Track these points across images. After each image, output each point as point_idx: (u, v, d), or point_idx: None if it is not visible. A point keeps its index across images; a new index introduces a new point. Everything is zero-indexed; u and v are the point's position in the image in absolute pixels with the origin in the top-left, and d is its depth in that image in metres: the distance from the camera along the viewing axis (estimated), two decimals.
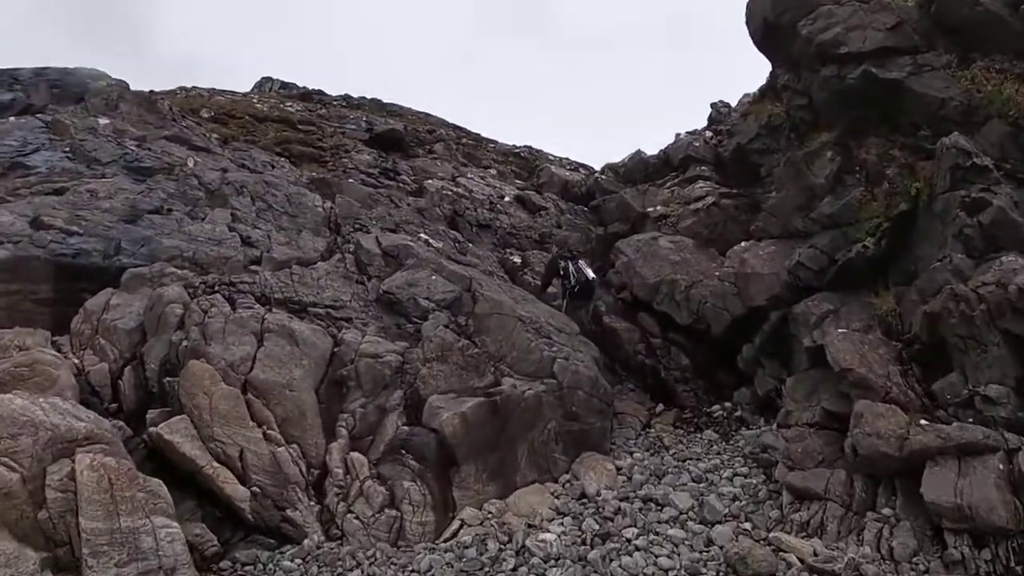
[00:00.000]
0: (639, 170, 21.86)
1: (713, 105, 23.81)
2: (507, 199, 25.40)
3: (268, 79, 33.74)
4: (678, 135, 21.73)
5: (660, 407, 15.50)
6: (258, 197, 20.13)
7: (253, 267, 16.09)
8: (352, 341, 12.96)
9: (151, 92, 25.06)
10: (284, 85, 33.37)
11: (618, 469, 12.76)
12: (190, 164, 21.35)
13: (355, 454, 11.62)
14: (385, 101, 33.37)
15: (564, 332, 14.56)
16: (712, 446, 13.93)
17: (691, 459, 13.32)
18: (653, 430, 14.59)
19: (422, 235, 18.09)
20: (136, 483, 9.60)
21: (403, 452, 11.58)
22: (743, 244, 16.19)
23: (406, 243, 16.42)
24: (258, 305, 13.74)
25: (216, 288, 14.19)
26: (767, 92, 19.47)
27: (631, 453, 13.52)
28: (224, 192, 20.11)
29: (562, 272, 16.99)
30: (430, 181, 25.42)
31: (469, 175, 26.81)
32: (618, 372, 16.24)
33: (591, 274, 16.85)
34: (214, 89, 30.76)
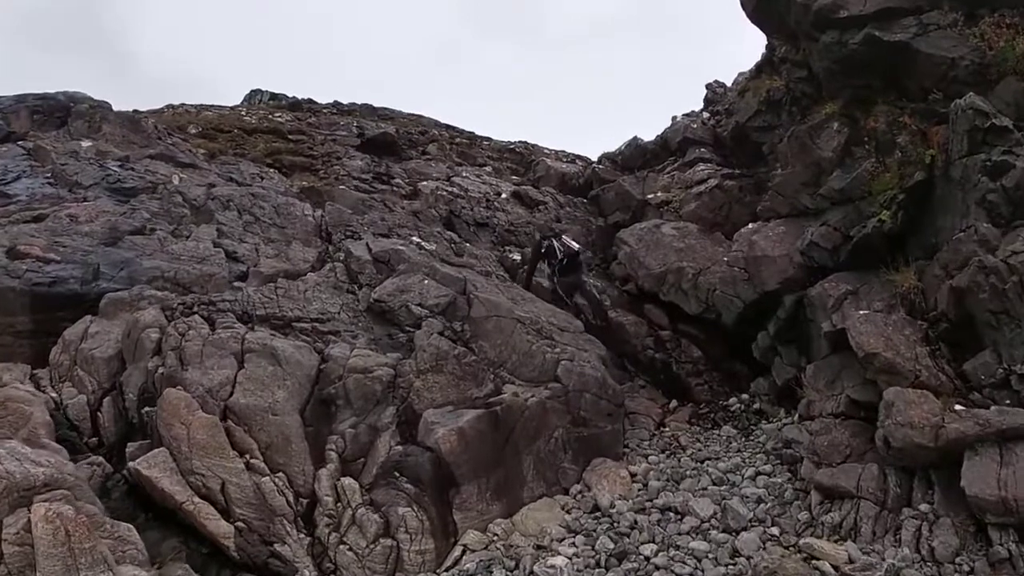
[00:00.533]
0: (637, 157, 20.69)
1: (708, 86, 22.62)
2: (504, 196, 24.26)
3: (257, 91, 32.65)
4: (674, 118, 20.56)
5: (674, 403, 14.38)
6: (245, 210, 19.09)
7: (238, 283, 15.05)
8: (339, 356, 11.86)
9: (135, 111, 24.02)
10: (274, 96, 32.28)
11: (632, 476, 11.63)
12: (175, 181, 20.37)
13: (346, 480, 10.52)
14: (376, 106, 32.24)
15: (567, 331, 13.45)
16: (731, 443, 12.81)
17: (710, 459, 12.20)
18: (668, 429, 13.46)
19: (414, 238, 16.99)
20: (99, 531, 8.52)
21: (397, 475, 10.45)
22: (751, 226, 15.04)
23: (397, 248, 15.32)
24: (239, 324, 12.68)
25: (195, 308, 13.15)
26: (764, 67, 18.31)
27: (646, 456, 12.39)
28: (210, 207, 19.11)
29: (544, 251, 15.94)
30: (424, 183, 24.35)
31: (464, 174, 25.70)
32: (628, 369, 15.12)
33: (576, 245, 15.77)
34: (202, 105, 29.71)
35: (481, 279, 14.56)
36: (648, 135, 21.50)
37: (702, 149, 18.71)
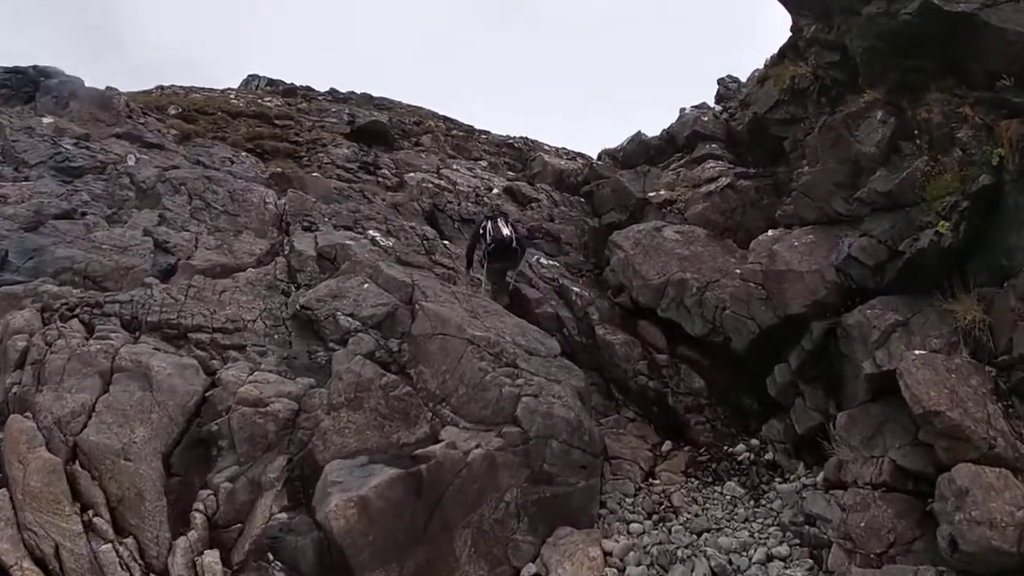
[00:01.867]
0: (640, 154, 17.10)
1: (720, 81, 19.02)
2: (495, 191, 20.89)
3: (255, 76, 29.48)
4: (683, 110, 16.98)
5: (667, 445, 10.90)
6: (196, 195, 15.84)
7: (151, 279, 11.74)
8: (231, 381, 8.50)
9: (107, 88, 20.80)
10: (271, 82, 29.09)
11: (607, 555, 8.18)
12: (130, 162, 17.29)
13: (209, 556, 7.17)
14: (375, 96, 28.92)
15: (536, 355, 9.96)
16: (737, 507, 9.36)
17: (710, 531, 8.75)
18: (659, 482, 9.98)
19: (371, 232, 13.57)
20: None
21: (271, 558, 7.05)
22: (770, 233, 11.52)
23: (344, 243, 11.98)
24: (122, 332, 9.38)
25: (76, 310, 9.83)
26: (788, 52, 14.76)
27: (627, 524, 8.94)
28: (159, 191, 15.94)
29: (482, 231, 12.93)
30: (411, 174, 21.09)
31: (455, 167, 22.36)
32: (614, 396, 11.68)
33: (507, 231, 12.67)
34: (191, 87, 26.54)
35: (435, 284, 11.07)
36: (654, 132, 17.97)
37: (713, 145, 15.20)
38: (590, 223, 16.11)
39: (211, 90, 26.48)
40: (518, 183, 21.81)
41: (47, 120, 18.80)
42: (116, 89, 21.38)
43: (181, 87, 26.28)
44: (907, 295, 9.42)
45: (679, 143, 16.01)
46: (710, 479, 10.07)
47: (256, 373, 8.72)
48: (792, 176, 12.84)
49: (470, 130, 27.47)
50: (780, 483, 9.73)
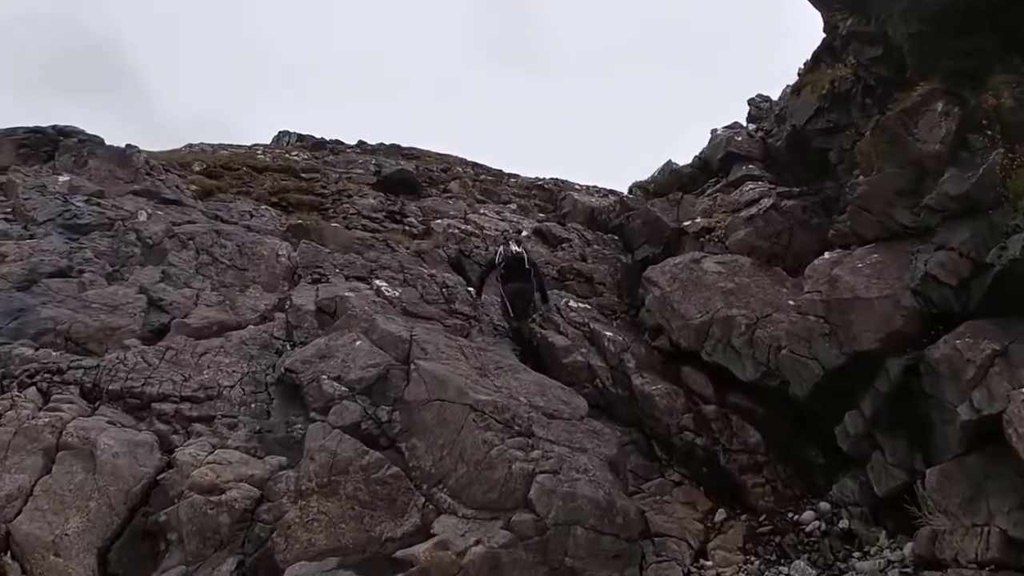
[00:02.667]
0: (672, 183, 15.26)
1: (751, 101, 17.13)
2: (524, 233, 19.24)
3: (285, 133, 28.46)
4: (714, 131, 15.10)
5: (721, 514, 8.83)
6: (204, 249, 14.47)
7: (135, 339, 10.27)
8: (187, 462, 6.85)
9: (127, 146, 19.75)
10: (301, 138, 28.02)
11: None
12: (140, 218, 16.06)
13: None
14: (404, 146, 27.63)
15: (559, 418, 8.08)
16: None
17: None
18: (712, 562, 7.92)
19: (378, 282, 11.90)
20: None
21: None
22: (827, 256, 9.57)
23: (343, 295, 10.33)
24: (78, 402, 7.86)
25: (36, 377, 8.30)
26: (823, 55, 12.91)
27: None
28: (165, 247, 14.66)
29: (495, 259, 12.28)
30: (438, 221, 19.56)
31: (482, 211, 20.77)
32: (657, 456, 9.69)
33: (516, 249, 11.97)
34: (220, 144, 25.55)
35: (439, 339, 9.24)
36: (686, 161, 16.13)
37: (749, 165, 13.32)
38: (623, 260, 14.27)
39: (239, 147, 25.47)
40: (548, 224, 20.15)
41: (63, 178, 17.77)
42: (136, 147, 20.34)
43: (209, 145, 25.32)
44: (1002, 317, 7.43)
45: (713, 167, 14.15)
46: (774, 556, 8.00)
47: (218, 451, 7.05)
48: (842, 191, 10.97)
49: (499, 174, 25.95)
50: (859, 559, 7.66)
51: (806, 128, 12.22)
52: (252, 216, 18.25)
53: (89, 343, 10.46)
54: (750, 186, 12.41)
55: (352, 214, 20.04)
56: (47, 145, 19.82)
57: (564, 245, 19.02)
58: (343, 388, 7.94)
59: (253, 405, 8.21)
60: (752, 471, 9.06)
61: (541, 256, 17.89)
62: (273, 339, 10.44)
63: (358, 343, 8.64)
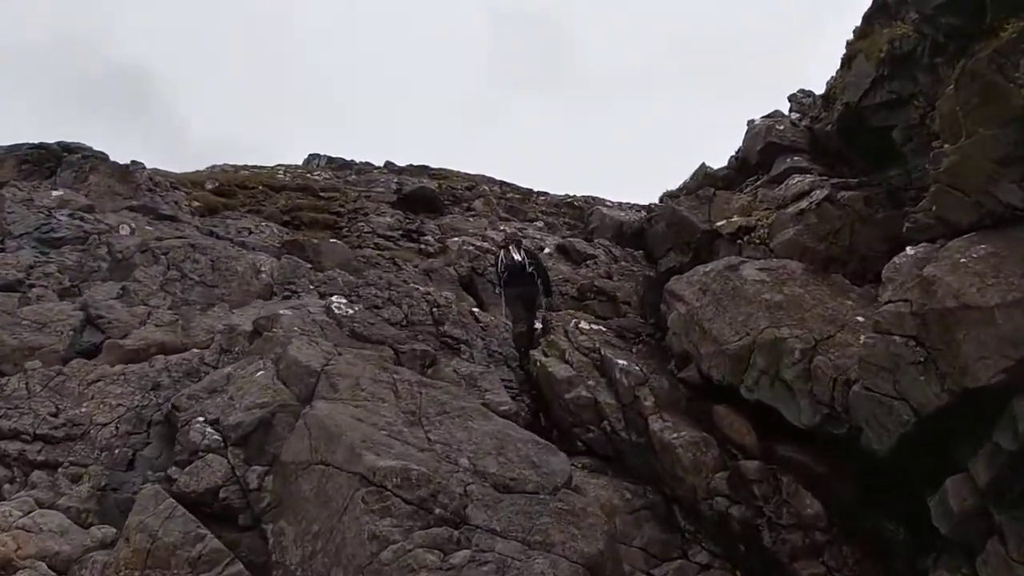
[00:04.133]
0: (706, 189, 12.24)
1: (792, 98, 13.80)
2: (547, 250, 16.52)
3: (315, 155, 26.28)
4: (751, 122, 12.01)
5: None
6: (174, 265, 12.16)
7: (64, 360, 7.98)
8: None
9: (131, 162, 17.69)
10: (331, 160, 25.78)
11: None
12: (122, 232, 13.95)
13: None
14: (433, 167, 25.17)
15: (518, 490, 5.00)
16: None
17: None
18: None
19: (335, 297, 9.15)
20: None
21: None
22: (911, 252, 6.51)
23: (278, 312, 7.70)
24: None
25: None
26: (876, 16, 9.88)
27: None
28: (134, 261, 12.51)
29: (497, 262, 11.43)
30: (454, 239, 17.05)
31: (503, 228, 18.13)
32: (678, 526, 6.74)
33: (517, 256, 10.80)
34: (244, 165, 23.44)
35: (365, 371, 6.09)
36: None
37: (795, 157, 10.27)
38: (647, 273, 11.36)
39: (261, 167, 23.32)
40: (572, 240, 17.34)
41: (56, 193, 15.78)
42: (142, 164, 18.27)
43: (232, 165, 23.24)
44: None
45: (751, 163, 11.13)
46: None
47: (38, 512, 4.46)
48: (912, 177, 7.98)
49: (527, 192, 23.28)
50: None
51: (862, 105, 9.19)
52: (251, 233, 15.94)
53: (3, 364, 8.22)
54: (797, 179, 9.40)
55: (366, 232, 17.63)
56: (51, 161, 17.99)
57: (589, 262, 16.18)
58: (215, 436, 5.30)
59: (117, 451, 5.62)
60: (808, 555, 6.05)
61: (561, 274, 15.10)
62: (204, 364, 7.86)
63: (259, 374, 6.01)
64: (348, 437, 4.85)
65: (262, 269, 12.49)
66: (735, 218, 8.99)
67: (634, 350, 9.43)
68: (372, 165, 25.81)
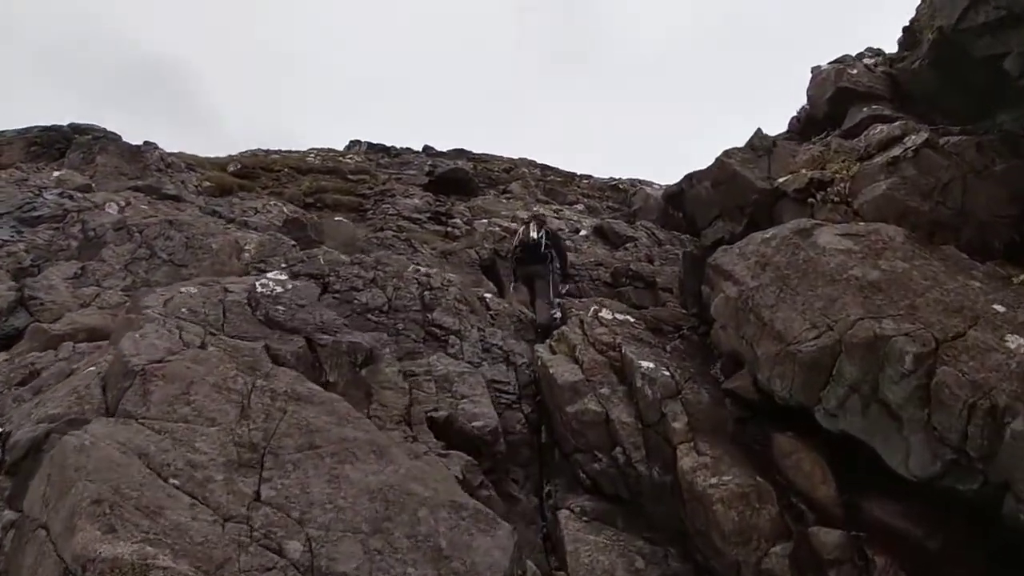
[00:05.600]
0: (764, 138, 9.44)
1: (861, 55, 10.90)
2: (582, 232, 14.15)
3: (356, 141, 24.35)
4: (817, 68, 9.10)
5: None
6: (146, 243, 10.31)
7: None
8: None
9: (144, 143, 16.10)
10: (371, 146, 23.81)
11: None
12: (110, 211, 12.36)
13: None
14: (475, 152, 22.96)
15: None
16: None
17: None
18: None
19: (270, 275, 6.85)
20: None
21: None
22: None
23: (182, 291, 5.46)
24: None
25: None
26: None
27: None
28: (105, 240, 10.86)
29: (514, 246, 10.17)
30: (481, 220, 14.93)
31: (536, 210, 15.80)
32: None
33: (534, 234, 9.56)
34: (278, 150, 21.68)
35: (215, 370, 3.74)
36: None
37: (874, 106, 7.51)
38: (686, 250, 8.75)
39: (293, 152, 21.52)
40: (611, 221, 14.88)
41: (57, 174, 14.37)
42: (155, 144, 16.72)
43: (264, 150, 21.47)
44: None
45: (818, 116, 8.36)
46: None
47: None
48: None
49: (570, 175, 20.86)
50: None
51: (960, 28, 6.42)
52: (257, 212, 14.07)
53: None
54: (880, 129, 6.71)
55: (391, 214, 15.59)
56: (60, 143, 16.61)
57: (628, 245, 13.72)
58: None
59: None
60: None
61: (595, 257, 12.70)
62: None
63: (88, 370, 3.88)
64: (82, 490, 2.58)
65: (246, 247, 10.56)
66: (804, 172, 6.39)
67: (668, 348, 6.97)
68: (411, 150, 23.80)
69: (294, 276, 8.46)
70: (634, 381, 5.69)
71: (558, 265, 9.41)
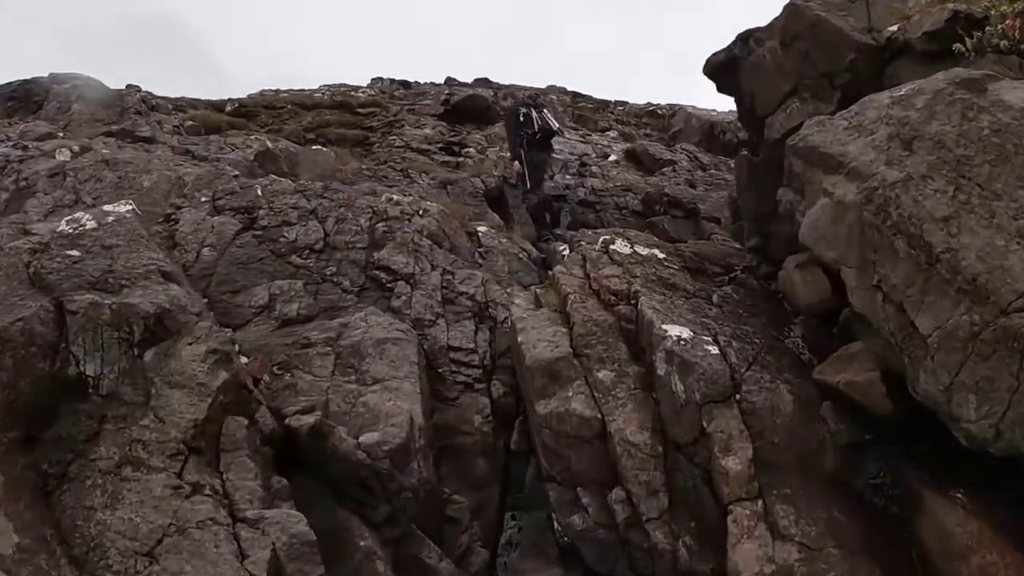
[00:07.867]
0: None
1: None
2: (612, 157, 11.57)
3: (379, 79, 21.86)
4: None
5: None
6: (73, 188, 8.30)
7: None
8: None
9: (127, 87, 14.09)
10: (394, 82, 21.27)
11: None
12: (60, 157, 10.42)
13: None
14: (501, 83, 20.16)
15: None
16: None
17: None
18: None
19: (97, 209, 4.58)
20: None
21: None
22: None
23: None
24: None
25: None
26: None
27: None
28: (36, 188, 8.96)
29: (522, 120, 8.94)
30: (494, 148, 12.57)
31: (566, 135, 13.28)
32: None
33: (555, 124, 9.06)
34: (291, 89, 19.37)
35: None
36: None
37: None
38: (741, 154, 5.98)
39: (303, 90, 19.17)
40: (646, 144, 12.13)
41: (23, 126, 12.44)
42: (138, 87, 14.72)
43: (274, 90, 19.18)
44: None
45: None
46: None
47: None
48: None
49: (602, 103, 18.01)
50: None
51: None
52: (235, 149, 11.83)
53: None
54: None
55: (397, 147, 13.25)
56: (39, 95, 14.65)
57: (665, 169, 10.99)
58: None
59: None
60: None
61: (625, 182, 10.00)
62: None
63: None
64: None
65: (187, 182, 8.38)
66: (935, 10, 3.63)
67: (715, 299, 4.38)
68: (434, 84, 21.19)
69: (217, 211, 6.24)
70: (654, 362, 3.20)
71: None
